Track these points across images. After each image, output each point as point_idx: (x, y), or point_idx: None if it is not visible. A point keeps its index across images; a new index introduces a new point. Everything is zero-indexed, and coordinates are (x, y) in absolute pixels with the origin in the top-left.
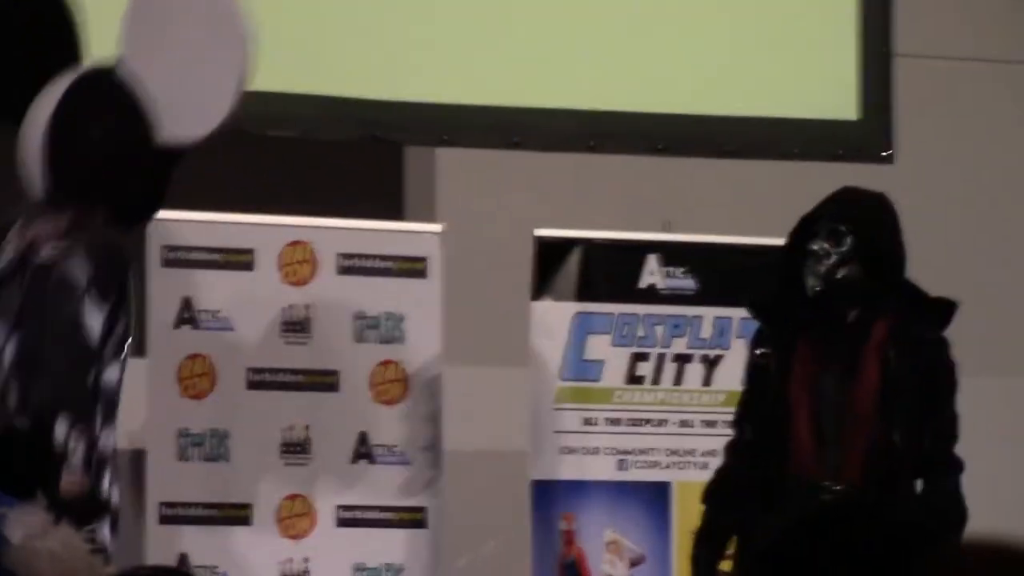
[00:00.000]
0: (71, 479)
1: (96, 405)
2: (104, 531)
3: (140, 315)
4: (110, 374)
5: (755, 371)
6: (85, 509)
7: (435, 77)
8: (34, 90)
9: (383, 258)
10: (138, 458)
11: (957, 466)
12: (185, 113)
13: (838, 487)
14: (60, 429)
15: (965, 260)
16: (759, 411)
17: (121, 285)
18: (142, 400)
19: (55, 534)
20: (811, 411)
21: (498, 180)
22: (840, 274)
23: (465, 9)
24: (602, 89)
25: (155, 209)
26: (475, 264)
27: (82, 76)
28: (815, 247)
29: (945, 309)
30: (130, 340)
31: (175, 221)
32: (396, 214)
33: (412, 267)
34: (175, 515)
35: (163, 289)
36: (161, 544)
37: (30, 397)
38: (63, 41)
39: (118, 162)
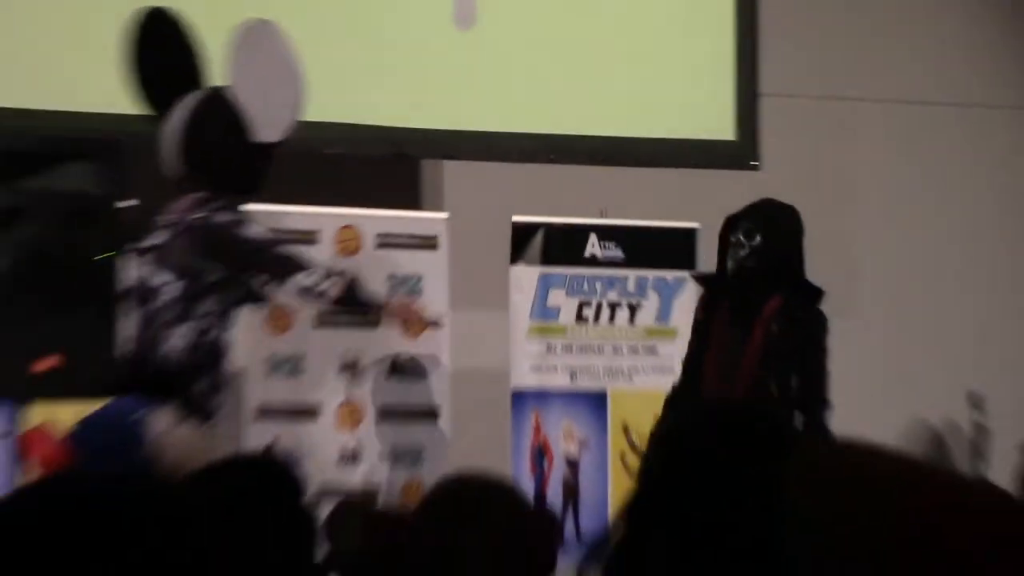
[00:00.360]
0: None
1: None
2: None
3: None
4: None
5: (695, 326)
6: (205, 410)
7: (440, 111)
8: (172, 103)
9: (407, 236)
10: (240, 375)
11: (823, 406)
12: (267, 123)
13: None
14: (297, 279)
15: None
16: (692, 354)
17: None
18: (242, 335)
19: (180, 430)
20: (717, 360)
21: (486, 182)
22: (749, 263)
23: (460, 62)
24: (557, 116)
25: (256, 190)
26: (470, 240)
27: (204, 96)
28: (734, 239)
29: (817, 294)
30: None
31: (268, 212)
32: (415, 206)
33: (427, 243)
34: (267, 413)
35: None
36: (255, 438)
37: (209, 306)
38: (192, 70)
39: (229, 156)
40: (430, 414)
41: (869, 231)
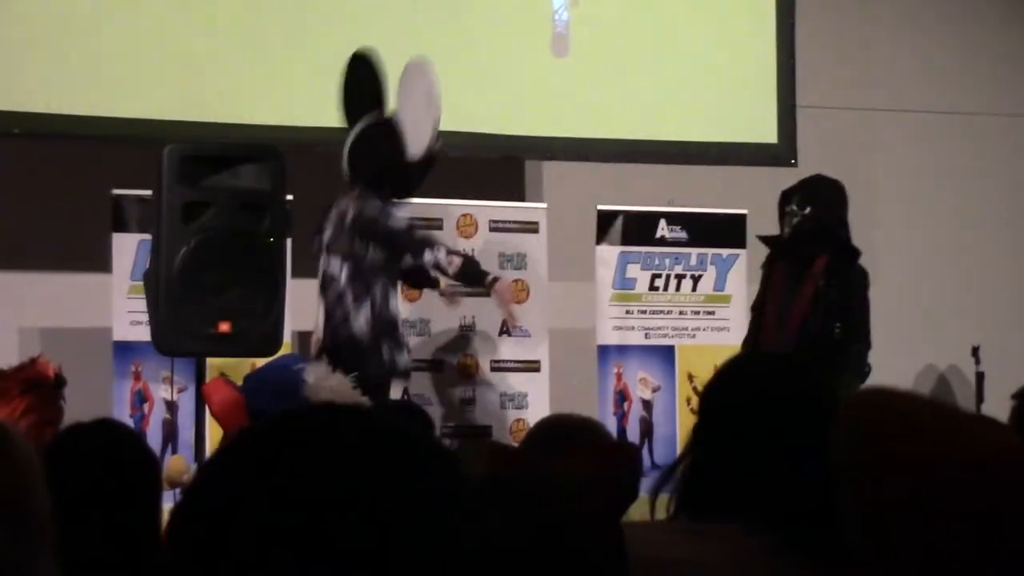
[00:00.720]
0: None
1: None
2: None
3: None
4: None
5: (762, 279)
6: (399, 371)
7: (540, 121)
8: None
9: (513, 222)
10: None
11: (862, 347)
12: (414, 142)
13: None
14: (428, 256)
15: None
16: (757, 305)
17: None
18: None
19: (333, 377)
20: (775, 308)
21: (577, 178)
22: (803, 227)
23: (556, 83)
24: (633, 124)
25: (410, 192)
26: (564, 225)
27: (377, 119)
28: (788, 208)
29: (856, 254)
30: None
31: (407, 203)
32: (520, 197)
33: (530, 227)
34: None
35: None
36: (393, 383)
37: (371, 286)
38: (378, 97)
39: (393, 165)
40: (532, 366)
41: (888, 218)
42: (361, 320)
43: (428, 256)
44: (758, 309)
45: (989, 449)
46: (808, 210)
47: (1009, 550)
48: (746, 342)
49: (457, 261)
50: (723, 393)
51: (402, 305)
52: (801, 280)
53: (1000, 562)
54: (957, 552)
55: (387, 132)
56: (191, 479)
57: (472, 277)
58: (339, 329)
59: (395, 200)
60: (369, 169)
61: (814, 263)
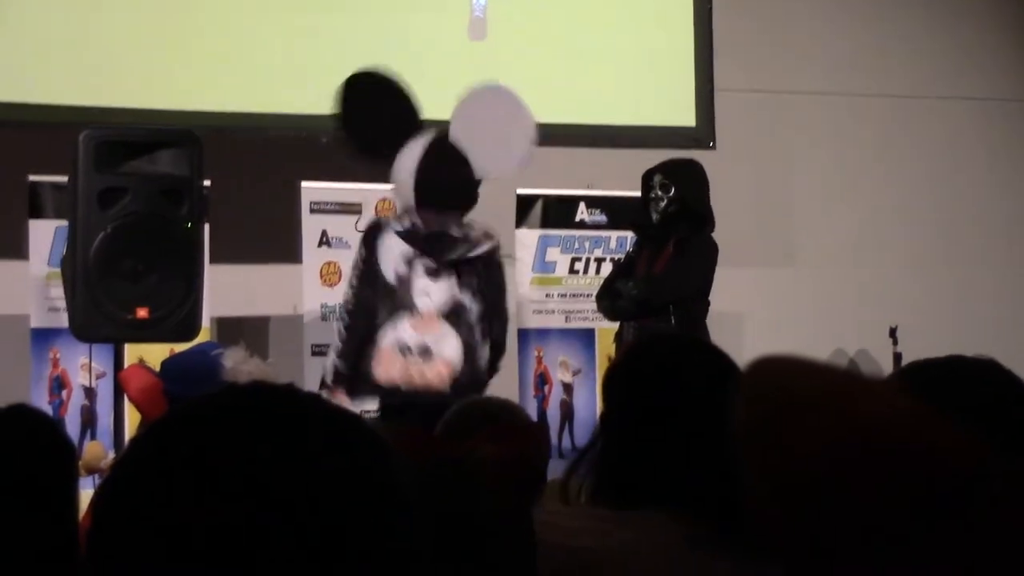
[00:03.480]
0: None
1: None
2: None
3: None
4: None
5: (626, 257)
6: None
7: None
8: (398, 146)
9: None
10: (299, 320)
11: (689, 302)
12: (491, 162)
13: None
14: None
15: (750, 198)
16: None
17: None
18: (301, 288)
19: (251, 361)
20: (639, 278)
21: None
22: (669, 211)
23: (473, 65)
24: (552, 107)
25: (471, 207)
26: (483, 209)
27: (434, 139)
28: (652, 194)
29: (704, 221)
30: None
31: (318, 188)
32: None
33: None
34: (320, 351)
35: (312, 225)
36: (310, 371)
37: (493, 331)
38: (413, 120)
39: (455, 184)
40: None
41: (806, 200)
42: (485, 353)
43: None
44: (612, 280)
45: (891, 416)
46: (672, 192)
47: (911, 517)
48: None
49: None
50: (625, 377)
51: (320, 289)
52: (660, 255)
53: (904, 529)
54: (861, 524)
55: (453, 151)
56: (109, 465)
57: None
58: (473, 363)
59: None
60: (441, 188)
61: (669, 239)
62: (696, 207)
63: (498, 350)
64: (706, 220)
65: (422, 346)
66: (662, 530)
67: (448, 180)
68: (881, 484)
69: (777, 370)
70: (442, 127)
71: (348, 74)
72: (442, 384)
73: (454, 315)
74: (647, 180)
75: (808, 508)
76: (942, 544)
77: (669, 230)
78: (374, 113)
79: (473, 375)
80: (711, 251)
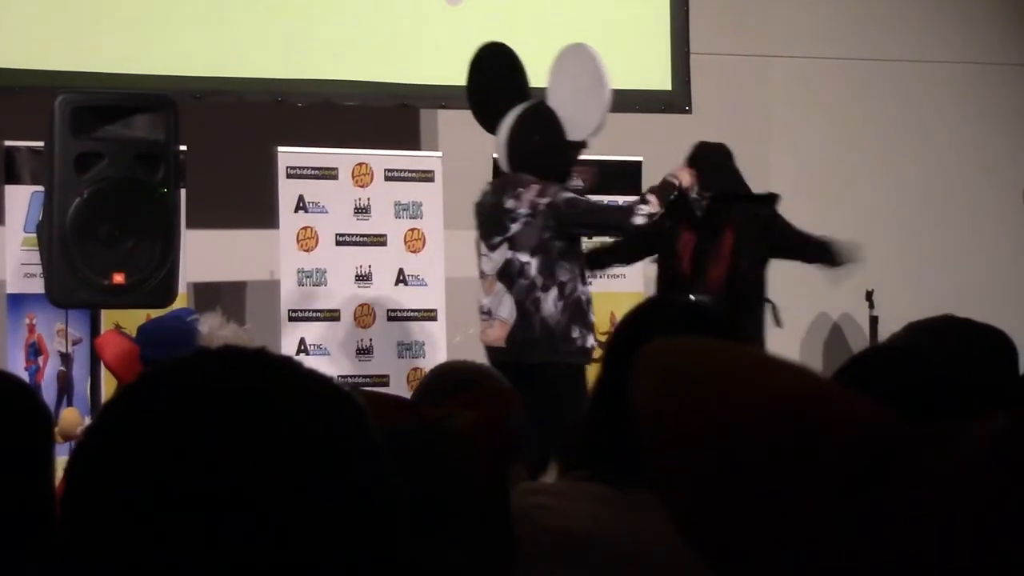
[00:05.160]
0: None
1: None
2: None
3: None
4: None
5: (662, 236)
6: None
7: (435, 69)
8: (504, 114)
9: (409, 171)
10: (276, 285)
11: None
12: (577, 126)
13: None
14: (639, 213)
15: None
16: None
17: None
18: (278, 253)
19: (228, 327)
20: (691, 260)
21: (472, 127)
22: (710, 205)
23: (451, 30)
24: (529, 71)
25: (568, 175)
26: (460, 174)
27: (528, 107)
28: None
29: (771, 197)
30: None
31: (294, 153)
32: (415, 146)
33: (425, 176)
34: (297, 316)
35: (288, 190)
36: (288, 336)
37: (555, 274)
38: (521, 87)
39: (550, 150)
40: (429, 315)
41: (781, 164)
42: (550, 305)
43: (639, 213)
44: (665, 262)
45: (789, 392)
46: (708, 188)
47: (819, 493)
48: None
49: (651, 198)
50: (626, 340)
51: (297, 254)
52: (716, 239)
53: (813, 505)
54: (771, 500)
55: (543, 118)
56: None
57: (665, 194)
58: (531, 318)
59: (560, 183)
60: (528, 156)
61: (725, 227)
62: (732, 190)
63: (561, 292)
64: (767, 196)
65: (485, 308)
66: (653, 509)
67: (534, 148)
68: (786, 458)
69: (677, 350)
70: (540, 96)
71: (324, 39)
72: (498, 342)
73: (507, 276)
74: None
75: (713, 485)
76: (855, 520)
77: (720, 215)
78: (485, 87)
79: (532, 331)
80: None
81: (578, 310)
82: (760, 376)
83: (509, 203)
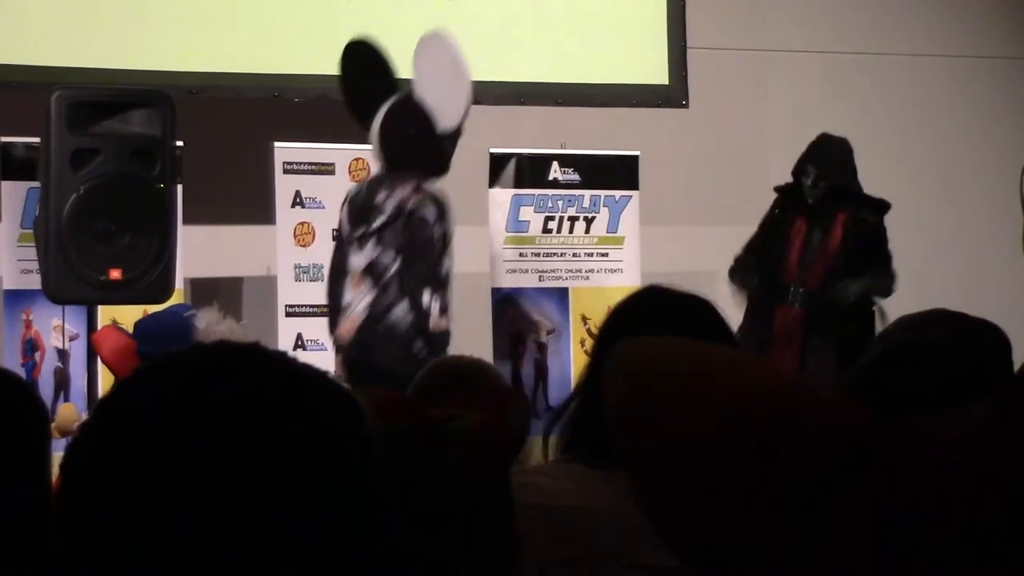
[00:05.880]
0: (435, 322)
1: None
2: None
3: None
4: (447, 263)
5: (769, 223)
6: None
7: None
8: (375, 108)
9: None
10: (272, 281)
11: (891, 277)
12: (444, 115)
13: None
14: (425, 297)
15: (723, 156)
16: (770, 241)
17: (447, 218)
18: (275, 248)
19: (225, 322)
20: (800, 253)
21: (469, 121)
22: (824, 195)
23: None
24: (525, 66)
25: (445, 169)
26: (457, 169)
27: (398, 100)
28: (807, 181)
29: (882, 204)
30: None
31: (291, 148)
32: None
33: None
34: (294, 312)
35: (285, 186)
36: (284, 332)
37: (406, 283)
38: (389, 81)
39: (425, 143)
40: None
41: (779, 159)
42: (400, 313)
43: (425, 296)
44: (758, 252)
45: (763, 392)
46: (826, 183)
47: (795, 490)
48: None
49: (441, 326)
50: (619, 330)
51: (294, 249)
52: (827, 228)
53: (788, 503)
54: (746, 496)
55: (414, 110)
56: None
57: (401, 350)
58: (378, 322)
59: (431, 178)
60: (402, 150)
61: (835, 220)
62: (848, 185)
63: (413, 302)
64: (878, 202)
65: (346, 302)
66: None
67: (410, 141)
68: (761, 455)
69: (651, 352)
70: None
71: (320, 34)
72: (343, 342)
73: (372, 274)
74: (799, 165)
75: (687, 484)
76: (830, 516)
77: (832, 208)
78: (356, 83)
79: (377, 333)
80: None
81: (424, 324)
82: (733, 377)
83: (379, 197)
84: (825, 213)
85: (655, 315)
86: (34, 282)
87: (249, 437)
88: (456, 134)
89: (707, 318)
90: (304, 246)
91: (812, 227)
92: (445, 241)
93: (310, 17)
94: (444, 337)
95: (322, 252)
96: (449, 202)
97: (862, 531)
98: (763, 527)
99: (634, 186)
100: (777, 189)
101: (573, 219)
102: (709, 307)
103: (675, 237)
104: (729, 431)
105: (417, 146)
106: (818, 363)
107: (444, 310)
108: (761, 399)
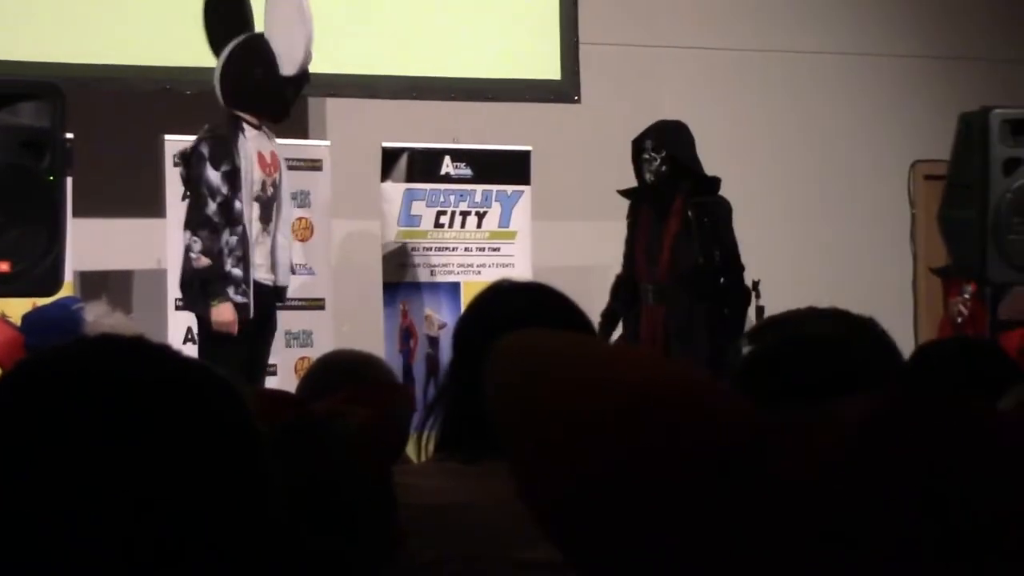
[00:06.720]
0: (196, 260)
1: (219, 222)
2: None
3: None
4: (234, 203)
5: (629, 227)
6: (211, 279)
7: (323, 57)
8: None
9: (297, 160)
10: (163, 274)
11: (740, 270)
12: (288, 60)
13: (652, 285)
14: (186, 236)
15: (616, 152)
16: (628, 248)
17: (229, 155)
18: (165, 241)
19: (114, 315)
20: (644, 248)
21: (361, 115)
22: (661, 171)
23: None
24: (418, 61)
25: (285, 114)
26: (349, 163)
27: (246, 39)
28: (644, 157)
29: (716, 184)
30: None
31: (181, 141)
32: (304, 135)
33: (314, 165)
34: (183, 305)
35: (175, 179)
36: (174, 325)
37: (188, 223)
38: (243, 18)
39: (270, 86)
40: (318, 303)
41: None
42: (195, 253)
43: (187, 234)
44: (628, 255)
45: (646, 385)
46: (664, 153)
47: (678, 482)
48: (615, 290)
49: (201, 263)
50: (476, 325)
51: None
52: (665, 218)
53: (672, 495)
54: (629, 489)
55: (258, 51)
56: None
57: (190, 296)
58: (188, 262)
59: (272, 123)
60: (242, 91)
61: (674, 201)
62: (688, 165)
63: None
64: (710, 179)
65: None
66: (506, 479)
67: (256, 83)
68: (650, 450)
69: (532, 348)
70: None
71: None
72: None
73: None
74: (638, 144)
75: (576, 479)
76: (719, 509)
77: (671, 189)
78: (214, 20)
79: (184, 273)
80: (729, 212)
81: (187, 264)
82: (615, 370)
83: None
84: (665, 195)
85: (508, 311)
86: None
87: (131, 431)
88: (300, 81)
89: (564, 312)
90: None
91: (655, 217)
92: (228, 180)
93: (199, 10)
94: (205, 272)
95: None
96: (239, 142)
97: (750, 525)
98: (652, 521)
99: (526, 181)
100: (621, 192)
101: (465, 214)
102: (564, 300)
103: (567, 232)
104: (618, 426)
105: (262, 89)
106: (684, 351)
107: (207, 251)
108: (650, 394)
